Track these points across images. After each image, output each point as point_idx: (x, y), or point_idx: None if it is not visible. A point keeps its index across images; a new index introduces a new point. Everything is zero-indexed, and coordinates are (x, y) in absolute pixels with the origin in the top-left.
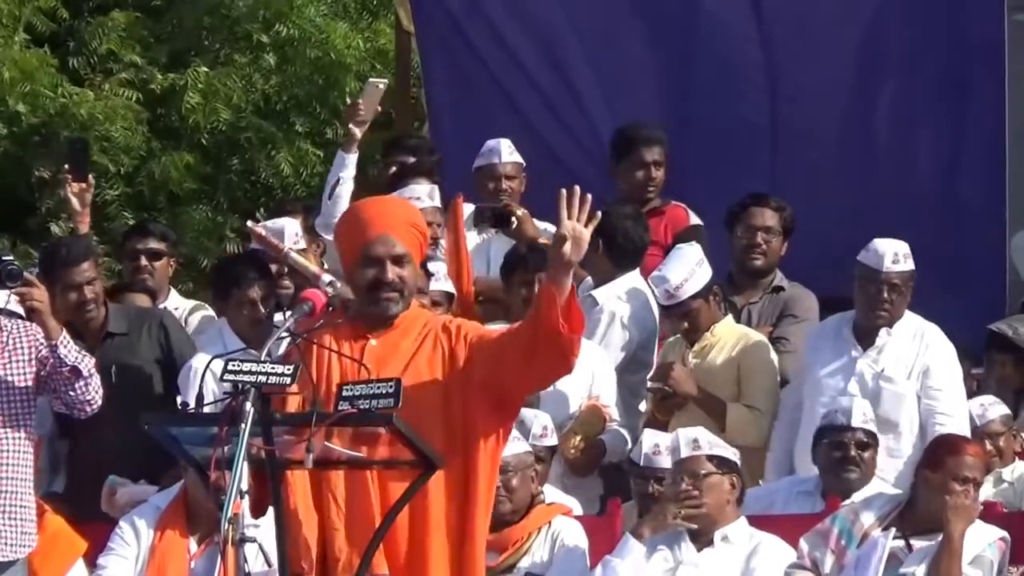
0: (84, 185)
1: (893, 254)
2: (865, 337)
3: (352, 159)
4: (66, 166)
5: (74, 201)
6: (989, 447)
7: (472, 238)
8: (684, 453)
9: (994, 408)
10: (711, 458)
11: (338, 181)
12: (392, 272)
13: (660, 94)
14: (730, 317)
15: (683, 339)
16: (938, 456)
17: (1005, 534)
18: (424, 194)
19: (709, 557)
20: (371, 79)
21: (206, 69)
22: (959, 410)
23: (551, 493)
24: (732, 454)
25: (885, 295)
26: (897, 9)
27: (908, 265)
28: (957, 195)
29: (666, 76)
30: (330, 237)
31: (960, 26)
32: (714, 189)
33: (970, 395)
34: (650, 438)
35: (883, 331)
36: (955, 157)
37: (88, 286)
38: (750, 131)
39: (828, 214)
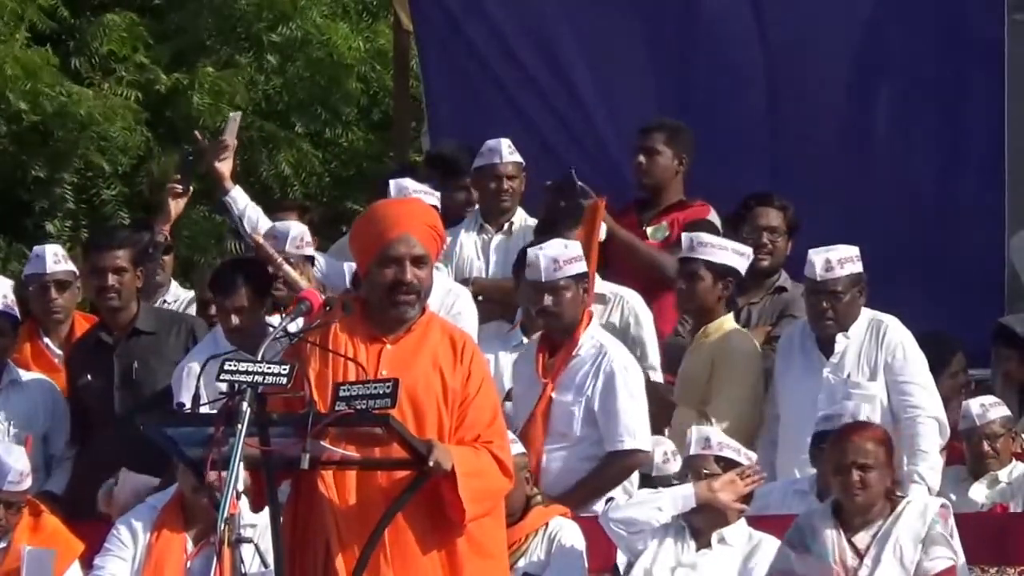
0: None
1: (825, 263)
2: (826, 345)
3: (235, 193)
4: (178, 175)
5: (172, 209)
6: (987, 447)
7: (471, 238)
8: (693, 451)
9: (995, 409)
10: (718, 459)
11: (240, 219)
12: (411, 273)
13: (659, 93)
14: (730, 316)
15: (690, 321)
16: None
17: (944, 500)
18: (398, 188)
19: (706, 559)
20: (232, 114)
21: (212, 69)
22: (930, 401)
23: None
24: (744, 457)
25: (824, 305)
26: (896, 8)
27: (847, 270)
28: (956, 195)
29: (665, 75)
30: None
31: (960, 25)
32: (713, 188)
33: (967, 396)
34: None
35: (840, 336)
36: (954, 156)
37: (114, 274)
38: (749, 130)
39: (827, 213)
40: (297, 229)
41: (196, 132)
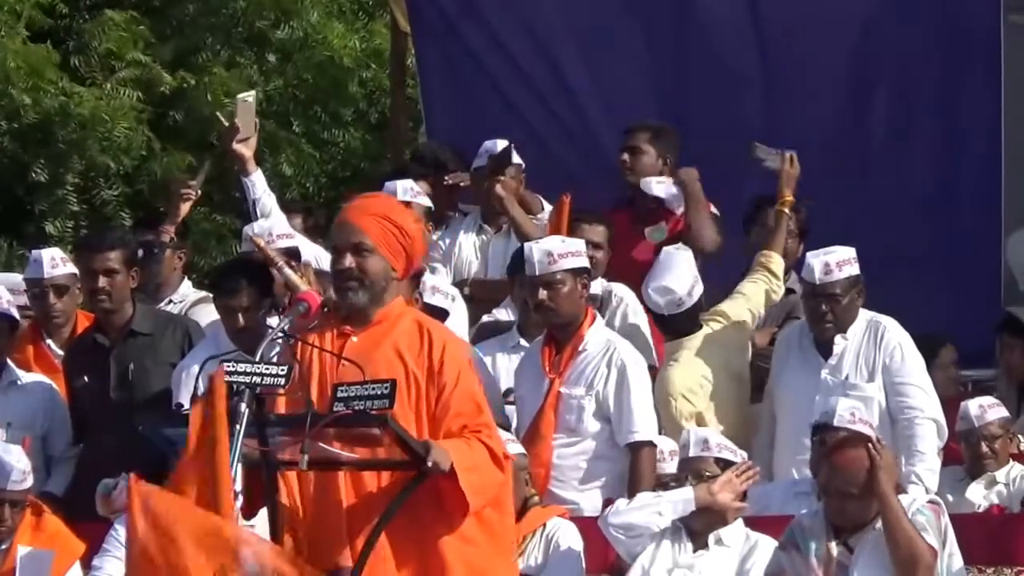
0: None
1: (824, 265)
2: (824, 347)
3: (256, 177)
4: (192, 180)
5: (182, 208)
6: (985, 448)
7: (470, 239)
8: (692, 453)
9: (993, 410)
10: (717, 461)
11: (255, 203)
12: (348, 260)
13: (656, 94)
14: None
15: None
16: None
17: (936, 498)
18: (402, 189)
19: (703, 560)
20: (239, 96)
21: (220, 71)
22: (928, 402)
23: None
24: (739, 457)
25: (824, 307)
26: (894, 10)
27: (845, 272)
28: (953, 195)
29: (662, 76)
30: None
31: (957, 27)
32: (710, 189)
33: (964, 397)
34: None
35: (838, 338)
36: (952, 158)
37: (105, 276)
38: (746, 131)
39: (824, 214)
40: (261, 226)
41: (217, 114)
